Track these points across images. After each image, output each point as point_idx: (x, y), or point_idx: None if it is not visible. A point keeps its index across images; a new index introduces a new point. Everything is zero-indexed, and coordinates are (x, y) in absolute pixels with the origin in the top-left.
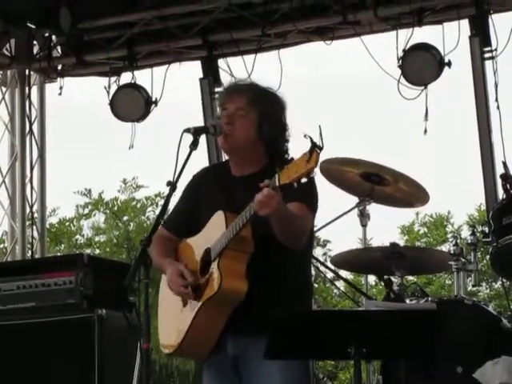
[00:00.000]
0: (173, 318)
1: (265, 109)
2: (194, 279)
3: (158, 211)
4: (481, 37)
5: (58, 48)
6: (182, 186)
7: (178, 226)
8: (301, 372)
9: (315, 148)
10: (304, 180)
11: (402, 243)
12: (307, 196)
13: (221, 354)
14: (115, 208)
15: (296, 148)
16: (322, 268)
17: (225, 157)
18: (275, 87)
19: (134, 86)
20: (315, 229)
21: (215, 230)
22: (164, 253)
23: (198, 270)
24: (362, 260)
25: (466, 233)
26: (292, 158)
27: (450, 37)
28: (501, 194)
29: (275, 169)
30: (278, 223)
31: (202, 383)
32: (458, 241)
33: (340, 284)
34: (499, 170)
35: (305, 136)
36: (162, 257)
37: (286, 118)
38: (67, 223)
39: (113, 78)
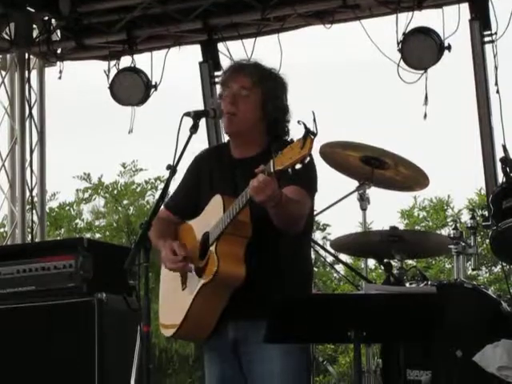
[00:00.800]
0: (172, 302)
1: (269, 89)
2: (187, 253)
3: (157, 195)
4: (481, 20)
5: (58, 32)
6: (182, 170)
7: (178, 207)
8: (302, 356)
9: (309, 134)
10: (298, 166)
11: (401, 227)
12: (304, 178)
13: (221, 337)
14: (115, 192)
15: (294, 133)
16: (321, 252)
17: (225, 141)
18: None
19: (133, 70)
20: (315, 213)
21: (213, 214)
22: (161, 233)
23: (198, 254)
24: (361, 244)
25: (465, 217)
26: (292, 140)
27: (450, 20)
28: (501, 177)
29: (271, 150)
30: (274, 209)
31: (203, 366)
32: (458, 225)
33: (340, 268)
34: (499, 153)
35: (298, 122)
36: (158, 237)
37: (287, 99)
38: (67, 207)
39: (112, 62)
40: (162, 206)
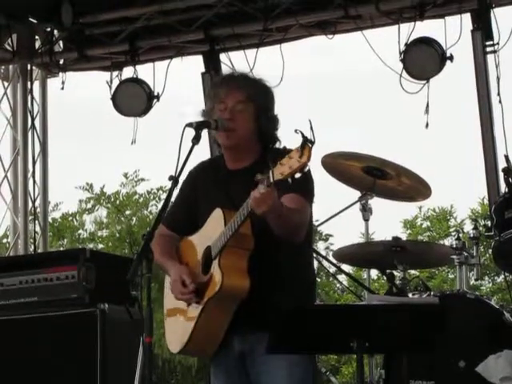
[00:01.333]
0: (178, 318)
1: (261, 102)
2: (194, 286)
3: (160, 205)
4: (483, 31)
5: (60, 43)
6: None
7: (176, 223)
8: (308, 367)
9: (307, 143)
10: (298, 175)
11: (404, 237)
12: (302, 186)
13: (228, 351)
14: (117, 202)
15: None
16: (324, 262)
17: None
18: (275, 80)
19: (135, 81)
20: (318, 223)
21: (214, 228)
22: (166, 253)
23: (200, 269)
24: (364, 254)
25: (468, 227)
26: (285, 148)
27: (452, 31)
28: (503, 187)
29: (267, 161)
30: (274, 220)
31: (207, 377)
32: (461, 235)
33: (342, 278)
34: (501, 163)
35: (296, 131)
36: (164, 258)
37: (274, 108)
38: (70, 218)
39: (115, 73)
40: (161, 223)
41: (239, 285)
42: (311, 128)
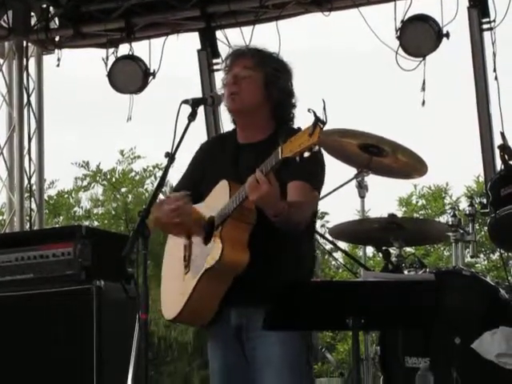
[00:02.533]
0: (175, 286)
1: (271, 71)
2: (178, 199)
3: (156, 183)
4: (479, 8)
5: (56, 20)
6: (180, 158)
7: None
8: (302, 343)
9: (318, 122)
10: (307, 154)
11: (400, 215)
12: (311, 173)
13: (224, 324)
14: (113, 179)
15: (298, 122)
16: (320, 239)
17: (223, 128)
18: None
19: (131, 58)
20: None
21: (219, 199)
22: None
23: (202, 238)
24: (360, 231)
25: (464, 205)
26: (299, 128)
27: (449, 8)
28: (499, 164)
29: (278, 137)
30: (268, 210)
31: (203, 354)
32: (456, 212)
33: (338, 255)
34: (497, 140)
35: (309, 110)
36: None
37: (292, 85)
38: (66, 195)
39: (110, 50)
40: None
41: (238, 258)
42: (324, 108)
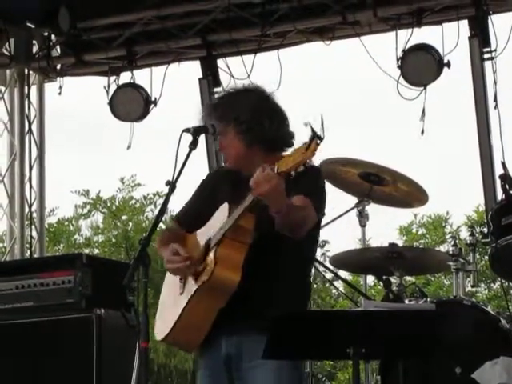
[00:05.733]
0: (169, 306)
1: (242, 122)
2: (189, 254)
3: (156, 211)
4: (480, 37)
5: (58, 47)
6: (181, 186)
7: (187, 220)
8: (294, 373)
9: (315, 138)
10: (301, 169)
11: (400, 244)
12: (315, 196)
13: (215, 353)
14: (113, 207)
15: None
16: (320, 268)
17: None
18: (274, 86)
19: (133, 86)
20: None
21: (219, 221)
22: (164, 241)
23: (200, 259)
24: (360, 260)
25: (464, 234)
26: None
27: (450, 37)
28: (500, 194)
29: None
30: (275, 207)
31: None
32: (457, 241)
33: (339, 284)
34: (498, 170)
35: (305, 125)
36: (161, 245)
37: (275, 113)
38: (66, 223)
39: (112, 78)
40: (173, 219)
41: (229, 277)
42: (322, 124)
